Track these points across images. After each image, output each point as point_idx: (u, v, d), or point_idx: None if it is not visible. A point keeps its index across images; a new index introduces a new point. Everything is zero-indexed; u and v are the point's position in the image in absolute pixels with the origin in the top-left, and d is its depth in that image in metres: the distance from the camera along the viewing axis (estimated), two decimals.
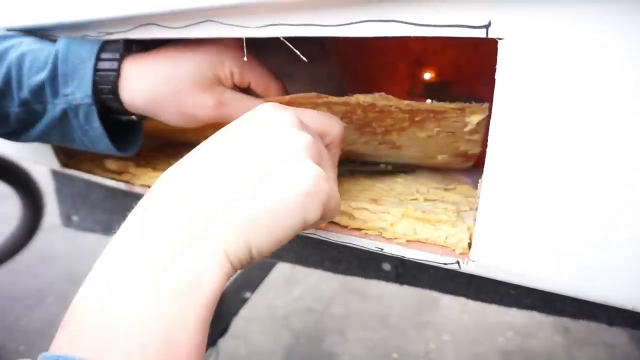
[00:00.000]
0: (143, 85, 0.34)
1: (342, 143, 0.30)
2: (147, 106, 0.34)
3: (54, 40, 0.36)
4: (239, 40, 0.32)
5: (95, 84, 0.34)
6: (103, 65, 0.34)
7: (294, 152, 0.22)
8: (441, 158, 0.39)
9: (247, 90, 0.36)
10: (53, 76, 0.34)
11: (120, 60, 0.34)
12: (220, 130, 0.25)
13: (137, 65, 0.34)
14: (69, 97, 0.34)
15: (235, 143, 0.23)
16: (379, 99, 0.31)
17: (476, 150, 0.35)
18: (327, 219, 0.26)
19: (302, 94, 0.33)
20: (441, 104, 0.30)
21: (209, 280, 0.19)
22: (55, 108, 0.35)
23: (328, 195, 0.23)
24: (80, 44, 0.34)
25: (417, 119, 0.32)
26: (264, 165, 0.22)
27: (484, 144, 0.24)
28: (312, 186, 0.22)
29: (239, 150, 0.23)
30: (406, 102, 0.30)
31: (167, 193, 0.22)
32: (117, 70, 0.34)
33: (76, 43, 0.34)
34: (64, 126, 0.36)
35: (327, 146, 0.29)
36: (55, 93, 0.34)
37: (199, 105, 0.34)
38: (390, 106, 0.31)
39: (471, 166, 0.40)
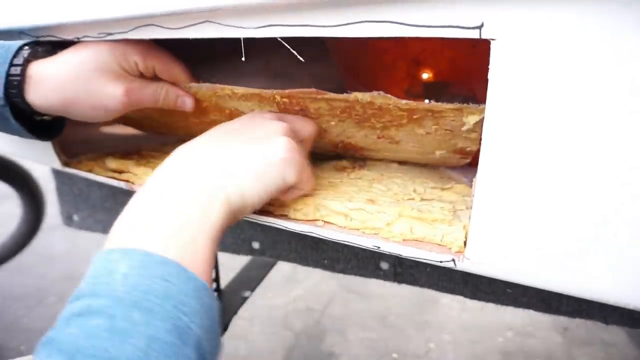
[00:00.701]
0: (54, 86, 0.35)
1: (313, 141, 0.38)
2: (60, 105, 0.36)
3: None
4: None
5: (7, 87, 0.35)
6: (14, 70, 0.35)
7: (274, 131, 0.32)
8: (439, 154, 0.39)
9: (155, 77, 0.39)
10: None
11: (24, 66, 0.35)
12: (222, 124, 0.34)
13: (45, 69, 0.36)
14: None
15: (233, 130, 0.33)
16: (378, 97, 0.31)
17: (474, 147, 0.36)
18: (303, 189, 0.33)
19: (301, 90, 0.33)
20: (439, 104, 0.30)
21: (216, 212, 0.27)
22: None
23: (301, 164, 0.31)
24: None
25: (415, 117, 0.32)
26: (254, 140, 0.31)
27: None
28: (287, 154, 0.30)
29: (237, 132, 0.32)
30: (404, 101, 0.31)
31: (184, 157, 0.30)
32: (22, 76, 0.35)
33: None
34: None
35: (301, 142, 0.35)
36: None
37: (109, 95, 0.36)
38: (389, 105, 0.31)
39: (468, 165, 0.41)
